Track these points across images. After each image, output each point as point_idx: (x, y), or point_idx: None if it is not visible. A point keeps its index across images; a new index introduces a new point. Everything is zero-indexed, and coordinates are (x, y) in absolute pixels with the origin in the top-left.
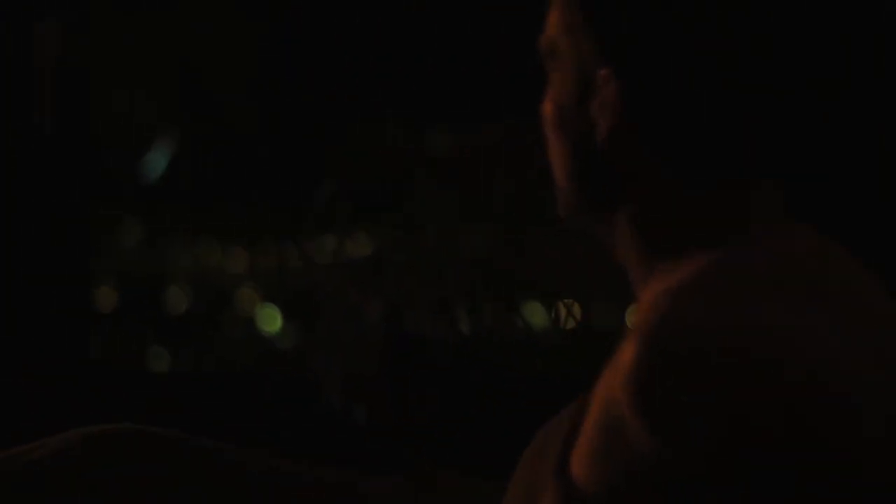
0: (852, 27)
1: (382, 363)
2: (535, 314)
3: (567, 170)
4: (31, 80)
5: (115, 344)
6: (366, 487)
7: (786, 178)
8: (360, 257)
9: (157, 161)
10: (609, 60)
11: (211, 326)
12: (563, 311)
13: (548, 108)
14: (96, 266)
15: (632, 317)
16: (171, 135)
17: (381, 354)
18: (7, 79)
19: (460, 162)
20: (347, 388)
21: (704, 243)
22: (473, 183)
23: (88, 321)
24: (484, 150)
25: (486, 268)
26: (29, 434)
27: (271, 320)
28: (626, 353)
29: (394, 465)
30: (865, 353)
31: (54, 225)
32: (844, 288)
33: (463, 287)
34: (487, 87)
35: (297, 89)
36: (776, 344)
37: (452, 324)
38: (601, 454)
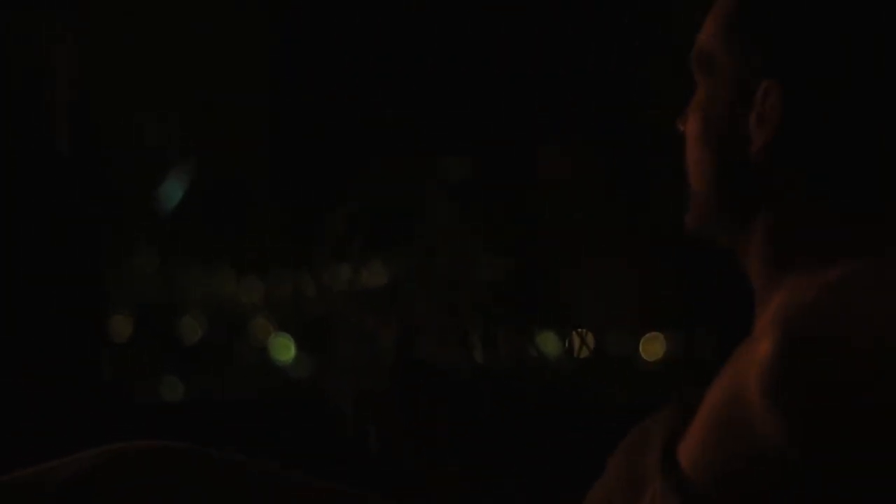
0: None
1: (395, 388)
2: (549, 343)
3: (710, 180)
4: (47, 106)
5: (128, 372)
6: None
7: None
8: (375, 286)
9: (172, 191)
10: (772, 72)
11: (225, 355)
12: (576, 341)
13: (695, 117)
14: (110, 294)
15: (761, 320)
16: (186, 164)
17: (393, 380)
18: (24, 104)
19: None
20: (360, 412)
21: (843, 255)
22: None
23: (102, 349)
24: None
25: (501, 296)
26: (44, 461)
27: (285, 349)
28: (763, 346)
29: (405, 489)
30: None
31: (69, 253)
32: None
33: (477, 314)
34: (503, 111)
35: (312, 118)
36: None
37: (466, 351)
38: (719, 443)
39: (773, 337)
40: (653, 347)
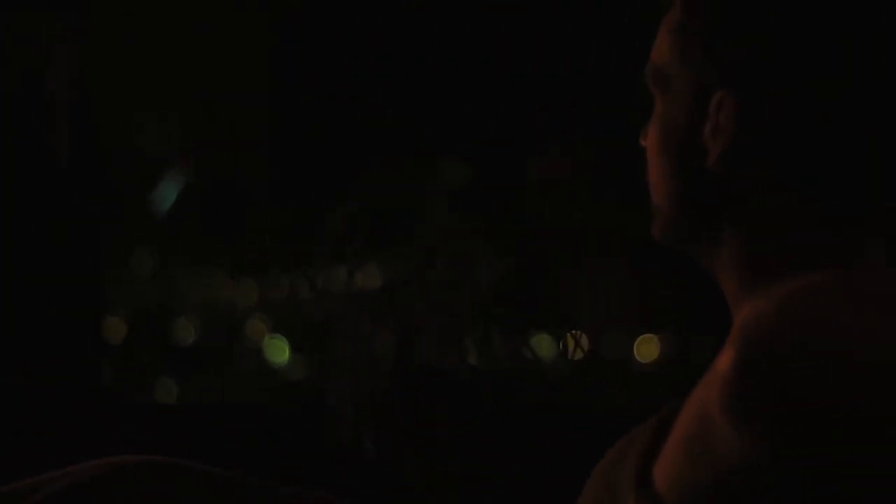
0: None
1: (394, 389)
2: (543, 345)
3: (670, 192)
4: (47, 106)
5: (124, 375)
6: None
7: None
8: (374, 286)
9: (167, 193)
10: (724, 83)
11: (224, 357)
12: (571, 342)
13: (653, 132)
14: (110, 295)
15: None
16: (182, 166)
17: (393, 381)
18: (24, 104)
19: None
20: (359, 413)
21: (814, 264)
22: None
23: (98, 351)
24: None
25: (501, 296)
26: (40, 467)
27: (279, 352)
28: (724, 359)
29: (404, 490)
30: None
31: (69, 253)
32: None
33: (477, 315)
34: (502, 111)
35: (312, 118)
36: (884, 352)
37: (465, 352)
38: (689, 460)
39: (731, 350)
40: (647, 349)
